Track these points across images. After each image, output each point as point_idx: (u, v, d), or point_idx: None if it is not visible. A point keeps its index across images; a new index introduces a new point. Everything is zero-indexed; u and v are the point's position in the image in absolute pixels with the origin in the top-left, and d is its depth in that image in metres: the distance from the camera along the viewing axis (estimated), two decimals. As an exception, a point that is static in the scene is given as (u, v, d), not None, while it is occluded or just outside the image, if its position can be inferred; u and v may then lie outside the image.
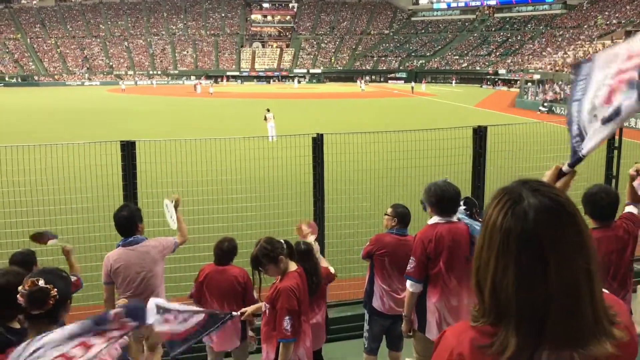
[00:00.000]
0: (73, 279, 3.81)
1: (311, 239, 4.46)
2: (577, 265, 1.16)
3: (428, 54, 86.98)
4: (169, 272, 5.23)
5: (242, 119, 30.23)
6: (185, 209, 4.82)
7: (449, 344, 1.31)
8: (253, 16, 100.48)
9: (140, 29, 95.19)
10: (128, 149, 5.38)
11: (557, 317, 1.15)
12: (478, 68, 76.97)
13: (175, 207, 4.52)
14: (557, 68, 52.58)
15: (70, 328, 2.01)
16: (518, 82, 56.14)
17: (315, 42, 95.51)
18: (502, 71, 70.84)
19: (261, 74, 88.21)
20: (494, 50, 79.55)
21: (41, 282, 2.29)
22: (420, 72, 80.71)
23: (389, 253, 4.49)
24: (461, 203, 4.61)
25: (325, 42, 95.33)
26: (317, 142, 5.79)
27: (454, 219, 3.97)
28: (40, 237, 4.39)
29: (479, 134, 6.27)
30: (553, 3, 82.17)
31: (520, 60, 70.21)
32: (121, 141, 5.41)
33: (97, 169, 6.47)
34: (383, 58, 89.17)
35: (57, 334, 1.99)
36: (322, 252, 5.49)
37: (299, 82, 77.62)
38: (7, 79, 76.51)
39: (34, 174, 6.51)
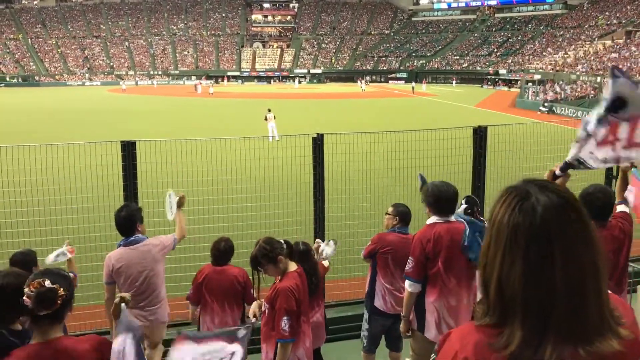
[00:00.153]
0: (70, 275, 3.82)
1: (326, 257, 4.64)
2: (584, 260, 1.18)
3: (428, 54, 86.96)
4: (169, 272, 5.22)
5: (242, 119, 30.24)
6: (186, 208, 4.82)
7: (453, 346, 1.30)
8: (254, 16, 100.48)
9: (141, 29, 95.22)
10: (128, 149, 5.38)
11: (563, 312, 1.16)
12: (479, 68, 76.95)
13: (179, 205, 4.53)
14: (557, 68, 52.58)
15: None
16: (518, 82, 56.19)
17: (315, 42, 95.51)
18: (502, 71, 70.83)
19: (262, 74, 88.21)
20: (495, 51, 79.53)
21: (47, 283, 2.29)
22: (420, 72, 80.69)
23: (393, 251, 4.49)
24: (463, 202, 4.61)
25: (326, 42, 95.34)
26: (318, 142, 5.79)
27: (452, 218, 3.97)
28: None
29: (479, 134, 6.28)
30: (554, 3, 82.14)
31: (520, 60, 70.20)
32: (121, 141, 5.41)
33: (97, 169, 6.47)
34: (383, 58, 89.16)
35: None
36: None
37: (300, 82, 77.65)
38: (8, 79, 76.54)
39: (34, 174, 6.51)
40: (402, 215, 4.62)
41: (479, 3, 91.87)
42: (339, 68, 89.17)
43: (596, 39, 60.66)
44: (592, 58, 51.56)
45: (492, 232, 1.25)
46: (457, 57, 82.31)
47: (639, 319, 1.35)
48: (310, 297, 3.96)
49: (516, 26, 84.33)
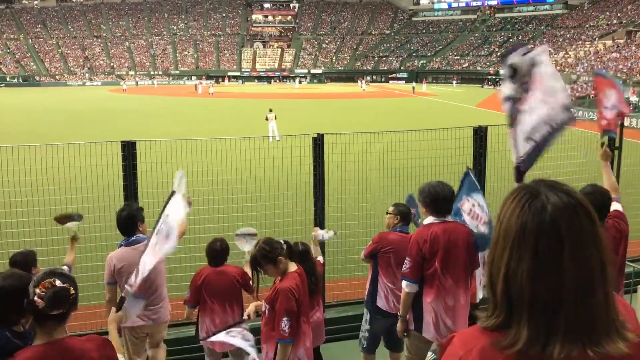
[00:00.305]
0: (65, 269, 3.85)
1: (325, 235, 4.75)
2: (592, 259, 1.18)
3: (429, 54, 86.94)
4: (169, 273, 5.23)
5: (242, 119, 30.25)
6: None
7: (456, 352, 1.29)
8: (254, 16, 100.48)
9: (141, 29, 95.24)
10: (129, 149, 5.38)
11: (570, 308, 1.16)
12: (479, 68, 76.91)
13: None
14: (558, 68, 52.51)
15: None
16: (519, 82, 55.93)
17: (316, 42, 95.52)
18: (503, 71, 70.64)
19: (262, 74, 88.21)
20: (495, 51, 79.46)
21: (58, 282, 2.30)
22: (421, 73, 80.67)
23: (395, 250, 4.49)
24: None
25: (326, 42, 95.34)
26: (318, 142, 5.79)
27: (449, 218, 3.98)
28: (63, 218, 4.49)
29: (480, 134, 6.28)
30: (554, 3, 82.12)
31: (521, 60, 70.05)
32: (122, 141, 5.41)
33: (97, 169, 6.47)
34: (384, 58, 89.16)
35: None
36: (323, 252, 5.49)
37: (300, 82, 77.64)
38: (8, 79, 76.59)
39: (34, 174, 6.51)
40: (403, 214, 4.63)
41: (479, 3, 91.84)
42: (340, 68, 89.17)
43: (597, 39, 60.64)
44: (593, 58, 51.53)
45: (501, 228, 1.25)
46: (458, 57, 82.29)
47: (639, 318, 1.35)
48: (310, 297, 3.96)
49: (517, 26, 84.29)
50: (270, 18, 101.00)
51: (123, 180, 5.42)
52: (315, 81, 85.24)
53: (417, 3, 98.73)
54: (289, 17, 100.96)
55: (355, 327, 5.35)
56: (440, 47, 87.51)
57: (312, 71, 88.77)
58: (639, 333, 1.26)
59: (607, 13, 68.88)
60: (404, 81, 79.46)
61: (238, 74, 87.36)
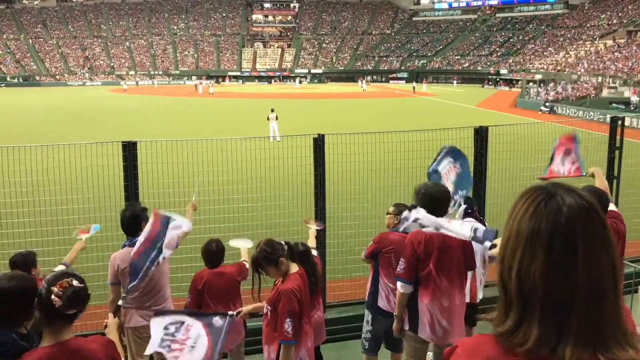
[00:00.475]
0: (62, 268, 3.85)
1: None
2: (604, 261, 1.19)
3: (429, 54, 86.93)
4: (170, 272, 5.22)
5: (242, 119, 30.25)
6: (186, 208, 4.83)
7: None
8: (254, 16, 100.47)
9: (141, 29, 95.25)
10: (129, 150, 5.37)
11: (583, 309, 1.16)
12: (479, 68, 76.90)
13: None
14: (558, 68, 52.56)
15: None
16: (520, 82, 56.10)
17: (316, 42, 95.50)
18: (503, 71, 70.76)
19: (262, 74, 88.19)
20: (496, 50, 79.48)
21: (75, 282, 2.30)
22: (421, 72, 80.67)
23: (396, 251, 4.48)
24: (461, 202, 4.61)
25: (327, 42, 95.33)
26: (318, 143, 5.79)
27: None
28: (85, 232, 4.58)
29: (480, 134, 6.28)
30: (555, 3, 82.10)
31: (521, 60, 70.13)
32: (122, 141, 5.41)
33: (98, 170, 6.47)
34: (384, 58, 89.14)
35: None
36: (323, 252, 5.49)
37: (300, 82, 77.65)
38: (8, 79, 76.63)
39: (35, 174, 6.51)
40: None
41: (479, 3, 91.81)
42: (340, 68, 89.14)
43: (597, 38, 60.62)
44: (594, 58, 51.52)
45: (513, 226, 1.25)
46: (458, 57, 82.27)
47: (639, 319, 1.35)
48: (310, 297, 3.96)
49: (517, 26, 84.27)
50: (270, 18, 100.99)
51: (124, 181, 5.42)
52: (315, 81, 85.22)
53: (418, 3, 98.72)
54: (289, 17, 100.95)
55: (356, 328, 5.35)
56: (441, 47, 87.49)
57: (313, 71, 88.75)
58: (636, 334, 1.26)
59: (608, 13, 68.83)
60: (404, 81, 79.44)
61: (238, 74, 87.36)
